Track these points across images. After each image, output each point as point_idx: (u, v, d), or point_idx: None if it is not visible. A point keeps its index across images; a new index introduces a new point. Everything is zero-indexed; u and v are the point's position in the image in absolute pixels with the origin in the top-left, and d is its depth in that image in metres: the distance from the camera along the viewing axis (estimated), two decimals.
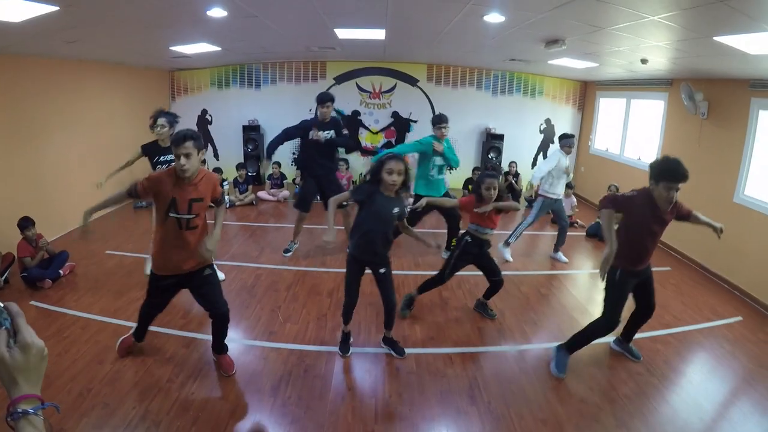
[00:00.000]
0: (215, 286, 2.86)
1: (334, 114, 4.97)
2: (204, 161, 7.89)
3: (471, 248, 3.62)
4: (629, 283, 3.02)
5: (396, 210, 2.95)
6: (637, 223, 2.89)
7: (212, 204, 2.81)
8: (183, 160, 2.48)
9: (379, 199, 2.89)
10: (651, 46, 4.19)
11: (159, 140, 4.09)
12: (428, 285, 3.81)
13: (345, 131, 5.01)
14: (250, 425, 2.54)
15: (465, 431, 2.58)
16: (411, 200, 5.34)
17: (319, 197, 5.03)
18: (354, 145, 5.24)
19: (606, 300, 3.04)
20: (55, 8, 3.32)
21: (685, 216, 3.01)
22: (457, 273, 3.74)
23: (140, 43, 5.30)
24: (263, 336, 3.45)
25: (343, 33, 5.35)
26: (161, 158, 4.07)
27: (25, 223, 4.23)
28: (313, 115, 8.17)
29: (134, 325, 3.43)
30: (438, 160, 4.89)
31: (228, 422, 2.53)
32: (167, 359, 3.09)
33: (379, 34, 5.38)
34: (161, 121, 4.03)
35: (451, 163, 4.93)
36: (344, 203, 4.87)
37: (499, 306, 4.07)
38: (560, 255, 5.37)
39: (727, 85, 5.06)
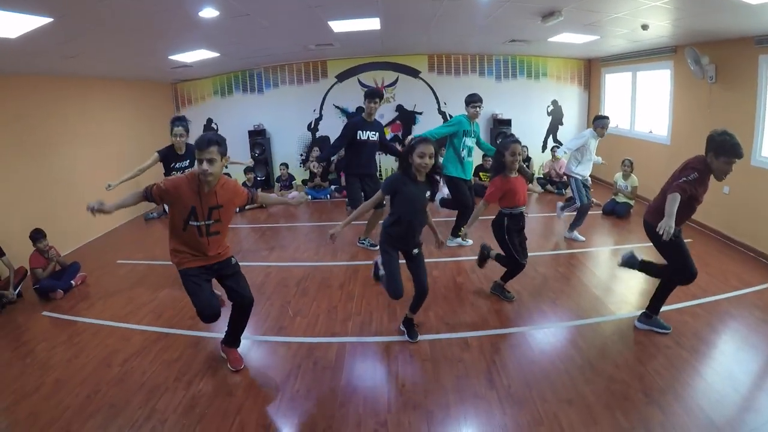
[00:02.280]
0: (242, 275, 2.84)
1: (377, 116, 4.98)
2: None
3: (513, 225, 3.51)
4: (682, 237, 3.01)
5: (428, 193, 2.90)
6: (695, 193, 2.84)
7: (253, 205, 2.89)
8: (206, 165, 2.39)
9: (410, 186, 2.82)
10: (650, 7, 4.01)
11: (175, 146, 4.14)
12: (508, 275, 3.71)
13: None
14: (257, 420, 2.46)
15: (484, 416, 2.45)
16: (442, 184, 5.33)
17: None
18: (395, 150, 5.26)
19: (675, 258, 3.02)
20: (49, 20, 3.33)
21: None
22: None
23: (139, 53, 5.31)
24: (272, 331, 3.38)
25: (337, 26, 5.27)
26: (176, 165, 4.15)
27: (37, 235, 4.28)
28: (316, 117, 8.18)
29: (144, 328, 3.46)
30: (468, 142, 4.81)
31: (235, 418, 2.45)
32: (175, 359, 3.04)
33: (373, 23, 5.30)
34: (178, 130, 4.08)
35: (484, 149, 5.00)
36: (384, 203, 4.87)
37: (515, 287, 3.93)
38: (576, 234, 5.19)
39: (732, 45, 4.85)
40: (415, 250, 3.01)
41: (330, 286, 4.10)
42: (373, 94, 4.73)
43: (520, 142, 3.37)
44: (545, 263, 4.56)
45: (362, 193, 4.82)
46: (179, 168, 4.13)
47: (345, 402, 2.57)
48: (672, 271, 3.07)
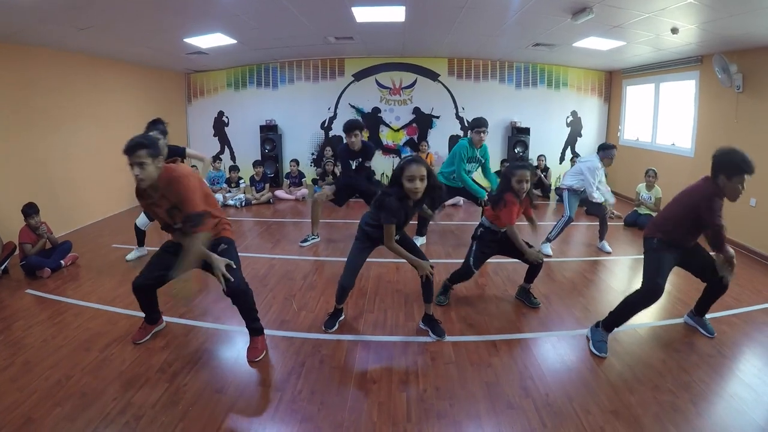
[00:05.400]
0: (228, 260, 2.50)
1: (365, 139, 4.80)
2: (220, 160, 7.71)
3: (488, 236, 3.21)
4: (669, 254, 2.73)
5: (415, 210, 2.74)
6: (696, 217, 2.64)
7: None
8: (137, 169, 2.25)
9: (405, 210, 2.61)
10: (683, 5, 3.78)
11: None
12: (458, 276, 3.35)
13: (368, 163, 4.73)
14: (249, 423, 2.09)
15: (522, 429, 2.06)
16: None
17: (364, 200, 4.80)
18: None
19: (645, 268, 2.75)
20: None
21: None
22: (490, 260, 3.37)
23: (153, 30, 5.06)
24: (274, 325, 3.00)
25: (361, 13, 5.02)
26: None
27: (29, 210, 4.00)
28: (331, 115, 7.92)
29: (133, 313, 3.10)
30: (470, 167, 4.60)
31: (223, 419, 2.08)
32: (161, 348, 2.68)
33: (398, 13, 5.05)
34: (153, 134, 3.74)
35: (489, 179, 4.73)
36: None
37: (543, 291, 3.60)
38: (605, 244, 4.83)
39: (761, 54, 4.64)
40: (396, 236, 2.72)
41: None
42: (351, 128, 4.45)
43: (529, 168, 3.05)
44: (571, 269, 4.24)
45: (343, 189, 4.77)
46: None
47: (356, 407, 2.20)
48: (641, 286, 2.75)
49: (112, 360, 2.54)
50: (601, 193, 4.67)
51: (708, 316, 3.05)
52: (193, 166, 4.97)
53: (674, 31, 4.56)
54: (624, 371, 2.53)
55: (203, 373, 2.44)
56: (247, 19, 4.97)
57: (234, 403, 2.21)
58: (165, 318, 2.98)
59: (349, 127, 4.47)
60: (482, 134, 4.45)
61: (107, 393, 2.24)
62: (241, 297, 2.51)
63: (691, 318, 3.11)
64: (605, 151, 4.57)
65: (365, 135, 5.91)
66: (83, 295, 3.47)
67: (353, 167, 4.66)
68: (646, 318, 3.17)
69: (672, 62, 6.16)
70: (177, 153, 3.84)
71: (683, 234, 2.71)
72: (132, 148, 2.23)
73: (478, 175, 4.87)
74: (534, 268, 3.29)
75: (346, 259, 2.88)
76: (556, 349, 2.79)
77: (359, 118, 4.79)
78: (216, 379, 2.40)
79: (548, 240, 4.72)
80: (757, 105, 4.77)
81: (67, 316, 3.11)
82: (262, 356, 2.61)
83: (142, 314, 2.79)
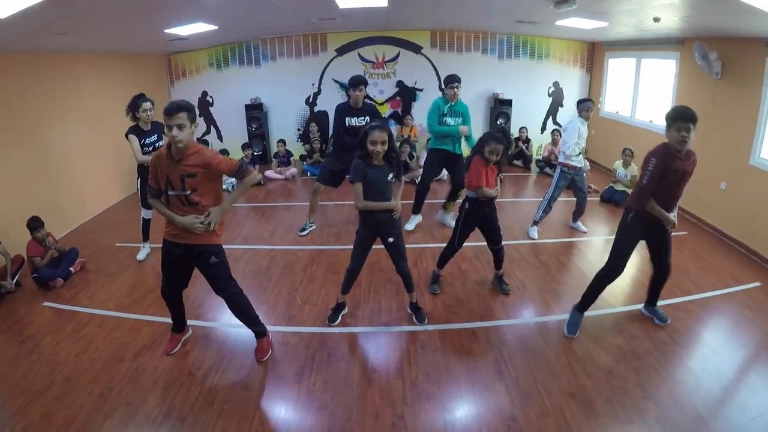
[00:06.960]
0: (219, 274, 2.75)
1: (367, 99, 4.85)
2: (207, 142, 7.82)
3: (473, 212, 3.49)
4: (641, 231, 2.98)
5: (390, 176, 2.95)
6: (666, 180, 2.81)
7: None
8: (175, 131, 2.36)
9: (371, 171, 2.89)
10: (664, 4, 3.96)
11: (140, 123, 4.09)
12: (444, 257, 3.73)
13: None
14: (276, 414, 2.49)
15: (495, 408, 2.52)
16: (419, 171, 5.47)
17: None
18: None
19: (614, 243, 3.05)
20: None
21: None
22: (472, 243, 3.70)
23: (134, 29, 5.08)
24: (283, 320, 3.39)
25: (344, 1, 5.10)
26: (146, 140, 4.11)
27: (35, 224, 4.08)
28: (315, 91, 7.95)
29: (153, 318, 3.40)
30: (452, 121, 4.66)
31: (255, 413, 2.48)
32: (187, 352, 3.02)
33: (381, 0, 5.14)
34: (147, 104, 4.06)
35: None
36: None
37: (519, 276, 4.00)
38: (579, 225, 5.19)
39: (740, 44, 4.76)
40: (390, 239, 3.07)
41: (337, 272, 4.07)
42: (355, 83, 4.55)
43: (506, 144, 3.28)
44: (547, 252, 4.61)
45: (332, 173, 4.85)
46: (149, 144, 4.10)
47: (362, 395, 2.62)
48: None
49: (145, 368, 2.85)
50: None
51: (668, 302, 3.40)
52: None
53: (656, 20, 4.73)
54: (584, 357, 2.95)
55: (229, 373, 2.81)
56: (229, 10, 5.02)
57: (261, 398, 2.60)
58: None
59: (357, 82, 4.54)
60: (455, 89, 4.51)
61: (149, 400, 2.56)
62: (236, 305, 2.83)
63: (645, 309, 3.41)
64: (581, 104, 4.79)
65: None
66: (100, 303, 3.68)
67: (350, 125, 4.65)
68: (612, 304, 3.56)
69: (654, 40, 6.28)
70: None
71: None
72: (173, 110, 2.34)
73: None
74: (495, 255, 3.70)
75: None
76: (527, 336, 3.21)
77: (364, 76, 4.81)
78: (241, 377, 2.78)
79: (534, 223, 5.02)
80: (733, 92, 4.91)
81: (91, 327, 3.32)
82: (268, 356, 2.96)
83: (164, 320, 3.08)
